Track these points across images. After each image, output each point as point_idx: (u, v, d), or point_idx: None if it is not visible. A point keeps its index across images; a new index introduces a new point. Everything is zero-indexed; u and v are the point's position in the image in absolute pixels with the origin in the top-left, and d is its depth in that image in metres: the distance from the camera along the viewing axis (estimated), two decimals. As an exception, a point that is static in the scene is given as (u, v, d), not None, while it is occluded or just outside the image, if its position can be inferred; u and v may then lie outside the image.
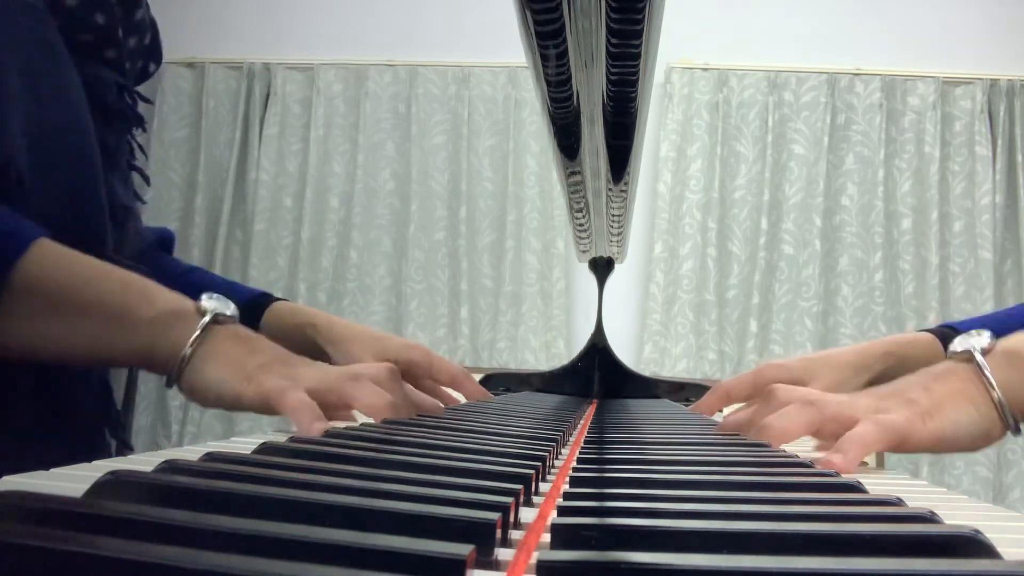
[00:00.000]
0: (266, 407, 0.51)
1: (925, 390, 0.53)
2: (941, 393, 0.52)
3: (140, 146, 0.73)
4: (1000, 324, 0.65)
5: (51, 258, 0.50)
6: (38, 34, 0.56)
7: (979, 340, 0.55)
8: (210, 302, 0.54)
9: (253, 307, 0.79)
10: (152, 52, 0.72)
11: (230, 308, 0.55)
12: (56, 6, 0.59)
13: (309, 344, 0.77)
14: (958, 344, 0.56)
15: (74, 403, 0.62)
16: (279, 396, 0.50)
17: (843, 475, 0.36)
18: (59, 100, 0.57)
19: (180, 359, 0.51)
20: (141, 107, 0.70)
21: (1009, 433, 0.53)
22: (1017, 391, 0.52)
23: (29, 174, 0.53)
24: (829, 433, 0.54)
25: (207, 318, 0.53)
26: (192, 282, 0.75)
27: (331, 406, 0.53)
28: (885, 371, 0.77)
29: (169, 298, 0.54)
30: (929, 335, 0.80)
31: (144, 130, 0.72)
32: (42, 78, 0.56)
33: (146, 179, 0.73)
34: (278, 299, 0.83)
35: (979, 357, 0.53)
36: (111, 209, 0.62)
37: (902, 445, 0.49)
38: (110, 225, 0.62)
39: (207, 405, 0.53)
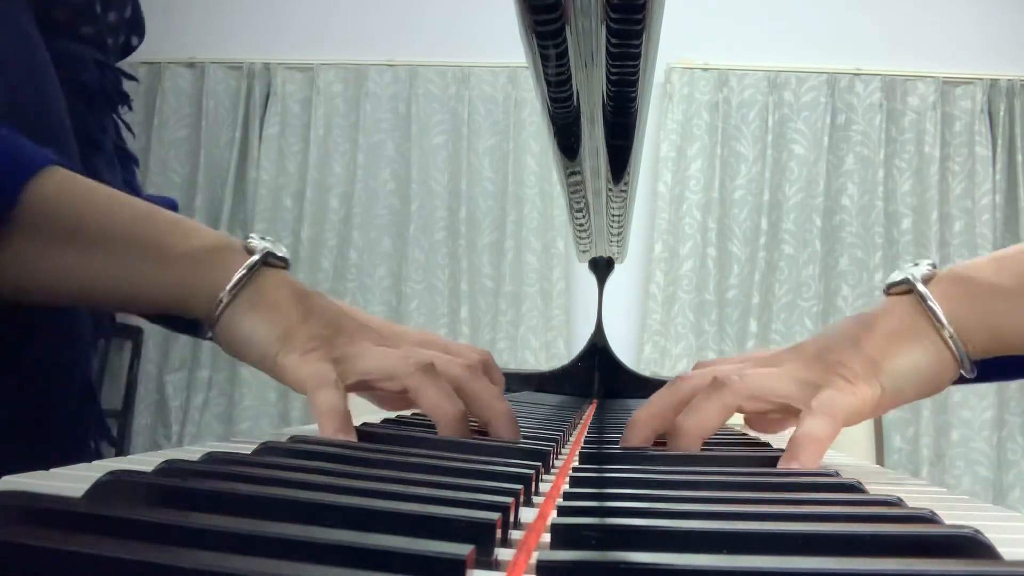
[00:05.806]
0: (301, 392, 0.45)
1: (854, 346, 0.44)
2: (876, 343, 0.44)
3: (127, 125, 0.67)
4: None
5: (64, 184, 0.44)
6: (5, 13, 0.52)
7: (919, 269, 0.45)
8: (260, 241, 0.47)
9: None
10: (134, 25, 0.68)
11: (281, 250, 0.48)
12: None
13: None
14: (896, 275, 0.46)
15: (52, 407, 0.57)
16: (313, 392, 0.43)
17: (843, 476, 0.36)
18: (29, 82, 0.52)
19: (217, 303, 0.44)
20: (128, 85, 0.66)
21: (962, 373, 0.44)
22: (968, 323, 0.43)
23: None
24: (754, 412, 0.47)
25: (256, 257, 0.46)
26: None
27: (389, 394, 0.46)
28: None
29: (208, 232, 0.48)
30: None
31: (130, 108, 0.67)
32: (9, 60, 0.51)
33: (134, 160, 0.68)
34: None
35: (920, 287, 0.44)
36: None
37: (851, 422, 0.42)
38: None
39: (246, 362, 0.47)
